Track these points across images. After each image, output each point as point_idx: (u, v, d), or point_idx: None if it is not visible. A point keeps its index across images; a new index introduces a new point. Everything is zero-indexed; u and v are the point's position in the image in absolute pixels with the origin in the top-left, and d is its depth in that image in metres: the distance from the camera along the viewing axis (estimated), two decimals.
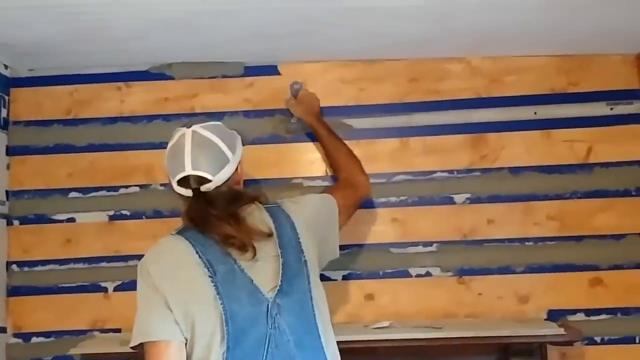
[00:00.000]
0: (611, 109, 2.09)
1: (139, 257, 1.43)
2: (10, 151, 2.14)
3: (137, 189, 2.12)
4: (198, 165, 1.45)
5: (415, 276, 2.06)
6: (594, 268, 2.03)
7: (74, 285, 2.08)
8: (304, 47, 2.05)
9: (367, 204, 2.06)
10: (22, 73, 2.18)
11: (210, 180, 1.45)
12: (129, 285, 2.01)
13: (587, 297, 2.02)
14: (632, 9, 1.77)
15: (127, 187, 2.12)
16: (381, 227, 2.08)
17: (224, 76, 2.16)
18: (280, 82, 2.13)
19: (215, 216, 1.40)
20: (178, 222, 1.48)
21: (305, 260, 1.46)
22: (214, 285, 1.34)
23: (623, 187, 2.06)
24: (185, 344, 1.34)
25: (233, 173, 1.50)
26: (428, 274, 2.06)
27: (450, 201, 2.08)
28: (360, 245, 2.07)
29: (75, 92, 2.17)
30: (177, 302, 1.33)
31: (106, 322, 2.06)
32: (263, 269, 1.40)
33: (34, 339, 2.06)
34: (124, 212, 2.11)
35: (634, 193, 2.06)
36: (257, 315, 1.35)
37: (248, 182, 1.93)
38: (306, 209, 1.56)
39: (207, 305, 1.33)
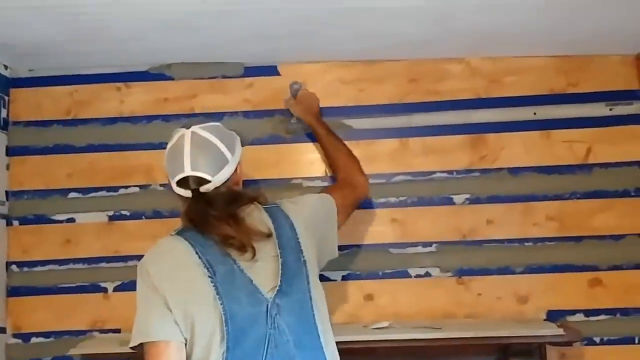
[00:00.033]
0: (610, 109, 2.09)
1: (139, 257, 1.43)
2: (10, 151, 2.14)
3: (137, 189, 2.12)
4: (197, 166, 1.45)
5: (415, 276, 2.06)
6: (593, 268, 2.04)
7: (74, 285, 2.08)
8: (303, 47, 2.05)
9: (367, 204, 2.07)
10: (22, 73, 2.18)
11: (209, 181, 1.45)
12: (129, 286, 2.01)
13: (586, 298, 2.03)
14: (632, 9, 1.77)
15: (126, 187, 2.12)
16: (380, 228, 2.08)
17: (224, 77, 2.16)
18: (280, 83, 2.13)
19: (215, 217, 1.40)
20: (177, 223, 1.48)
21: (305, 261, 1.46)
22: (213, 286, 1.34)
23: (622, 187, 2.07)
24: (185, 344, 1.34)
25: (232, 174, 1.51)
26: (427, 275, 2.06)
27: (449, 202, 2.09)
28: (360, 246, 2.07)
29: (75, 92, 2.17)
30: (177, 303, 1.33)
31: (106, 322, 2.06)
32: (262, 269, 1.40)
33: (34, 339, 2.06)
34: (123, 212, 2.11)
35: (633, 193, 2.06)
36: (256, 315, 1.35)
37: (247, 183, 1.93)
38: (305, 209, 1.57)
39: (207, 305, 1.33)
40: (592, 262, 2.04)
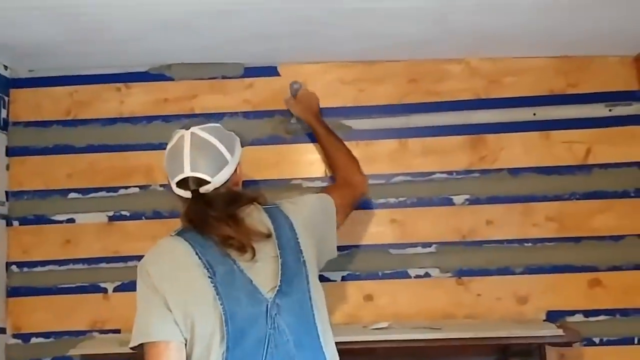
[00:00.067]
0: (610, 110, 2.09)
1: (139, 257, 1.43)
2: (10, 152, 2.14)
3: (137, 189, 2.12)
4: (197, 167, 1.45)
5: (414, 277, 2.06)
6: (593, 269, 2.04)
7: (74, 285, 2.08)
8: (303, 48, 2.05)
9: (366, 205, 2.07)
10: (22, 74, 2.18)
11: (209, 182, 1.46)
12: (129, 286, 2.01)
13: (585, 298, 2.03)
14: (631, 10, 1.77)
15: (126, 187, 2.12)
16: (380, 228, 2.08)
17: (224, 77, 2.16)
18: (280, 83, 2.13)
19: (214, 217, 1.41)
20: (177, 223, 1.48)
21: (304, 261, 1.46)
22: (213, 286, 1.34)
23: (622, 188, 2.07)
24: (185, 344, 1.34)
25: (232, 174, 1.51)
26: (427, 275, 2.06)
27: (449, 202, 2.09)
28: (359, 246, 2.07)
29: (75, 93, 2.17)
30: (177, 303, 1.34)
31: (106, 322, 2.06)
32: (262, 270, 1.40)
33: (34, 340, 2.06)
34: (123, 212, 2.11)
35: (632, 194, 2.06)
36: (256, 315, 1.35)
37: (247, 183, 1.93)
38: (304, 209, 1.57)
39: (207, 305, 1.33)
40: (592, 262, 2.04)
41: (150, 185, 2.12)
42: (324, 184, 2.08)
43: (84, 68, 2.16)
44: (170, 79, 2.17)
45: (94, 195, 2.12)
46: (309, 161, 2.12)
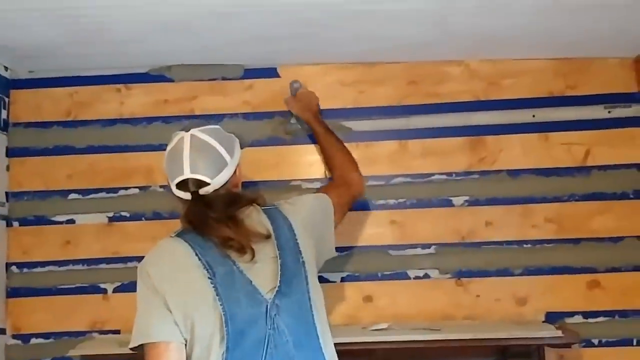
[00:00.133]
0: (609, 112, 2.09)
1: (138, 258, 1.44)
2: (10, 152, 2.14)
3: (137, 190, 2.12)
4: (196, 168, 1.46)
5: (414, 278, 2.06)
6: (592, 270, 2.04)
7: (73, 286, 2.08)
8: (303, 49, 2.05)
9: (366, 206, 2.07)
10: (22, 75, 2.18)
11: (208, 184, 1.46)
12: (129, 287, 2.02)
13: (584, 300, 2.03)
14: (630, 12, 1.77)
15: (126, 188, 2.12)
16: (380, 229, 2.08)
17: (224, 78, 2.17)
18: (280, 85, 2.13)
19: (214, 219, 1.41)
20: (177, 224, 1.48)
21: (303, 261, 1.46)
22: (213, 287, 1.35)
23: (621, 189, 2.07)
24: (185, 345, 1.35)
25: (231, 176, 1.52)
26: (426, 276, 2.06)
27: (448, 203, 2.09)
28: (359, 247, 2.07)
29: (75, 94, 2.17)
30: (177, 304, 1.34)
31: (105, 323, 2.06)
32: (262, 271, 1.41)
33: (33, 340, 2.06)
34: (123, 213, 2.11)
35: (631, 196, 2.07)
36: (256, 316, 1.36)
37: (247, 184, 1.93)
38: (303, 210, 1.58)
39: (207, 306, 1.34)
40: (591, 264, 2.04)
41: (150, 186, 2.12)
42: None
43: (84, 69, 2.16)
44: (170, 80, 2.17)
45: (93, 196, 2.12)
46: (308, 162, 2.12)
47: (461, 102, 2.13)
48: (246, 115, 2.15)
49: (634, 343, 2.01)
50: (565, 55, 2.12)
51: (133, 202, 2.11)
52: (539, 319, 2.01)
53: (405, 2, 1.68)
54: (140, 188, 2.12)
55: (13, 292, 2.08)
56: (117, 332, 2.05)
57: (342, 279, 2.06)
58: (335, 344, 1.47)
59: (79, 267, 2.09)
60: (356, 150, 2.05)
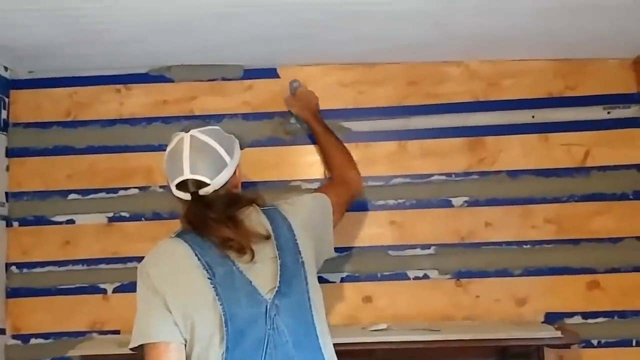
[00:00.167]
0: (608, 112, 2.10)
1: (138, 259, 1.44)
2: (10, 153, 2.14)
3: (136, 191, 2.12)
4: (196, 169, 1.46)
5: (413, 279, 2.06)
6: (591, 271, 2.04)
7: (73, 286, 2.08)
8: (303, 50, 2.06)
9: (365, 206, 2.08)
10: (22, 75, 2.18)
11: (208, 184, 1.46)
12: (128, 287, 2.02)
13: (584, 300, 2.03)
14: (629, 13, 1.78)
15: (126, 189, 2.12)
16: (379, 230, 2.09)
17: (224, 79, 2.17)
18: (280, 85, 2.13)
19: (214, 219, 1.41)
20: (177, 224, 1.49)
21: (303, 262, 1.47)
22: (213, 287, 1.35)
23: (620, 190, 2.07)
24: (185, 345, 1.35)
25: (231, 177, 1.52)
26: (426, 277, 2.06)
27: (448, 204, 2.09)
28: (359, 248, 2.08)
29: (75, 94, 2.17)
30: (177, 304, 1.34)
31: (105, 323, 2.06)
32: (261, 271, 1.41)
33: (33, 341, 2.06)
34: (123, 214, 2.11)
35: (631, 196, 2.07)
36: (256, 316, 1.36)
37: (247, 185, 1.94)
38: (302, 210, 1.58)
39: (207, 306, 1.34)
40: (590, 264, 2.04)
41: (150, 187, 2.12)
42: None
43: (84, 69, 2.16)
44: (170, 81, 2.17)
45: (93, 196, 2.12)
46: (308, 163, 2.12)
47: (461, 102, 2.13)
48: (246, 116, 2.15)
49: (634, 344, 2.01)
50: (564, 56, 2.13)
51: (133, 203, 2.11)
52: (539, 319, 2.02)
53: (405, 2, 1.68)
54: (139, 188, 2.12)
55: (13, 293, 2.08)
56: (116, 332, 2.05)
57: (342, 280, 2.07)
58: (335, 345, 1.47)
59: (79, 267, 2.09)
60: (356, 150, 2.05)
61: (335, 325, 1.96)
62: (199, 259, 1.37)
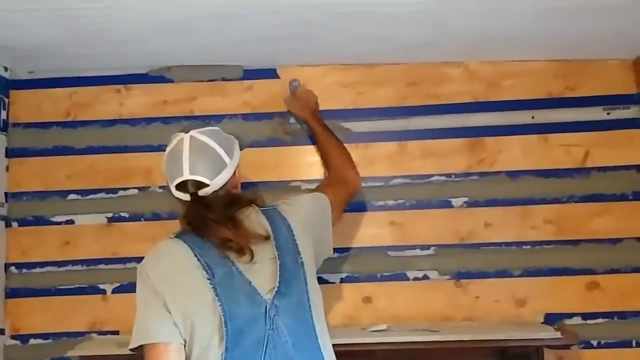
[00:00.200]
0: (608, 113, 2.10)
1: (138, 259, 1.44)
2: (10, 153, 2.14)
3: (136, 191, 2.12)
4: (196, 170, 1.46)
5: (413, 279, 2.06)
6: (591, 272, 2.04)
7: (72, 287, 2.08)
8: (303, 50, 2.06)
9: (365, 206, 2.08)
10: (22, 75, 2.18)
11: (208, 185, 1.46)
12: (128, 288, 2.02)
13: (584, 301, 2.03)
14: (629, 14, 1.78)
15: (125, 189, 2.12)
16: (379, 230, 2.08)
17: (223, 79, 2.17)
18: (280, 86, 2.13)
19: (213, 220, 1.41)
20: (176, 225, 1.49)
21: (302, 262, 1.47)
22: (212, 288, 1.35)
23: (620, 191, 2.07)
24: (184, 345, 1.35)
25: (230, 177, 1.52)
26: (425, 277, 2.06)
27: (447, 205, 2.09)
28: (358, 248, 2.07)
29: (75, 94, 2.17)
30: (176, 305, 1.34)
31: (104, 324, 2.06)
32: (261, 271, 1.41)
33: (32, 341, 2.06)
34: (122, 214, 2.11)
35: (630, 197, 2.07)
36: (255, 316, 1.36)
37: (247, 185, 1.94)
38: (301, 210, 1.58)
39: (206, 307, 1.34)
40: (590, 265, 2.04)
41: (150, 187, 2.12)
42: None
43: (83, 70, 2.16)
44: (170, 81, 2.17)
45: (93, 196, 2.12)
46: (308, 163, 2.12)
47: (460, 103, 2.13)
48: (246, 116, 2.15)
49: (633, 344, 2.01)
50: (564, 57, 2.13)
51: (132, 203, 2.11)
52: (538, 320, 2.02)
53: (405, 3, 1.68)
54: (139, 189, 2.12)
55: (12, 293, 2.08)
56: (116, 332, 2.05)
57: (342, 280, 2.07)
58: (335, 345, 1.47)
59: (78, 267, 2.09)
60: (355, 151, 2.05)
61: (334, 325, 1.96)
62: (198, 260, 1.37)
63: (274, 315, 1.37)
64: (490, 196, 2.08)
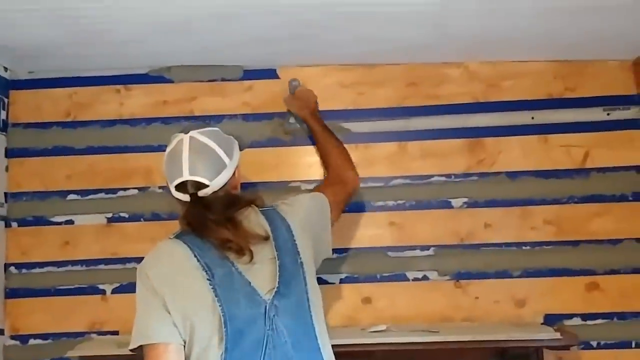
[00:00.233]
0: (608, 114, 2.10)
1: (137, 259, 1.44)
2: (9, 153, 2.14)
3: (136, 191, 2.12)
4: (195, 170, 1.46)
5: (413, 280, 2.06)
6: (591, 273, 2.04)
7: (72, 287, 2.08)
8: (303, 51, 2.06)
9: (365, 207, 2.08)
10: (22, 75, 2.18)
11: (207, 186, 1.46)
12: (127, 288, 2.02)
13: (583, 302, 2.03)
14: (629, 15, 1.78)
15: (125, 189, 2.12)
16: (378, 231, 2.08)
17: (223, 79, 2.17)
18: (280, 86, 2.13)
19: (213, 221, 1.41)
20: (176, 225, 1.49)
21: (302, 262, 1.47)
22: (212, 288, 1.35)
23: (620, 192, 2.07)
24: (184, 346, 1.35)
25: (230, 178, 1.52)
26: (425, 278, 2.06)
27: (447, 205, 2.09)
28: (358, 249, 2.07)
29: (75, 94, 2.17)
30: (176, 305, 1.34)
31: (104, 324, 2.06)
32: (260, 272, 1.41)
33: (32, 341, 2.06)
34: (122, 214, 2.11)
35: (630, 198, 2.07)
36: (255, 317, 1.36)
37: (246, 185, 1.94)
38: (300, 211, 1.58)
39: (206, 307, 1.34)
40: (590, 266, 2.04)
41: (149, 187, 2.12)
42: None
43: (83, 70, 2.16)
44: (170, 81, 2.17)
45: (92, 196, 2.12)
46: (307, 164, 2.12)
47: (460, 103, 2.13)
48: (246, 117, 2.15)
49: (633, 345, 2.01)
50: (564, 58, 2.13)
51: (132, 203, 2.11)
52: (538, 321, 2.02)
53: (405, 4, 1.68)
54: (139, 189, 2.12)
55: (12, 293, 2.08)
56: (115, 333, 2.05)
57: (341, 281, 2.06)
58: (334, 346, 1.47)
59: (78, 267, 2.09)
60: (355, 151, 2.05)
61: (334, 326, 1.96)
62: (198, 260, 1.37)
63: (274, 315, 1.37)
64: (490, 197, 2.08)
